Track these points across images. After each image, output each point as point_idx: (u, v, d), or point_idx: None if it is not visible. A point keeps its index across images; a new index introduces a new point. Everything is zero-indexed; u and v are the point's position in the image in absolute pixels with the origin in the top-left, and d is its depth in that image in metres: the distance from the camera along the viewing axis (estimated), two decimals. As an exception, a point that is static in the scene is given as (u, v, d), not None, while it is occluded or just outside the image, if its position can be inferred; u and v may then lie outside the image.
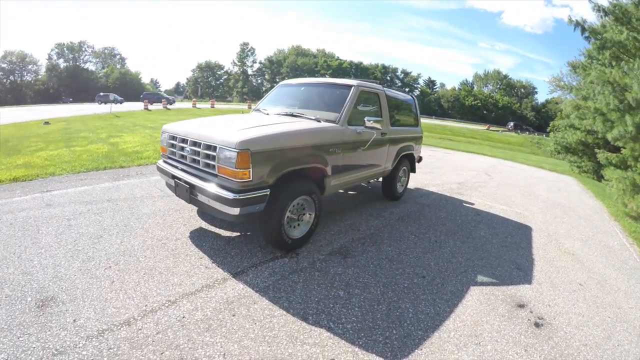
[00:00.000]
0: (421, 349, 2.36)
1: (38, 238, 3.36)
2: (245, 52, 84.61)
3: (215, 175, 3.06)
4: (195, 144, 3.30)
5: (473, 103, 76.22)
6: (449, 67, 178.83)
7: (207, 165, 3.15)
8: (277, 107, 4.66)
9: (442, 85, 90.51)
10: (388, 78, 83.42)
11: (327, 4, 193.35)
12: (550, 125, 34.83)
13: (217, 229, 3.92)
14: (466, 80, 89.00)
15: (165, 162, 3.83)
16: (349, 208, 5.28)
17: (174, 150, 3.61)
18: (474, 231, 4.82)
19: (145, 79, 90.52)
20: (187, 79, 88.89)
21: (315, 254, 3.53)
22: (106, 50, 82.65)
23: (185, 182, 3.28)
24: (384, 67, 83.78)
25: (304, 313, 2.57)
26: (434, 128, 35.56)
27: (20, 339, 2.08)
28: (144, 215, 4.14)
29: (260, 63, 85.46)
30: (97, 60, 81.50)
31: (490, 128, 47.91)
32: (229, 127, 3.38)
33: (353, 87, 4.35)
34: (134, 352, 2.03)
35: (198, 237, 3.67)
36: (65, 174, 5.92)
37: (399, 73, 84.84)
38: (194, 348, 2.11)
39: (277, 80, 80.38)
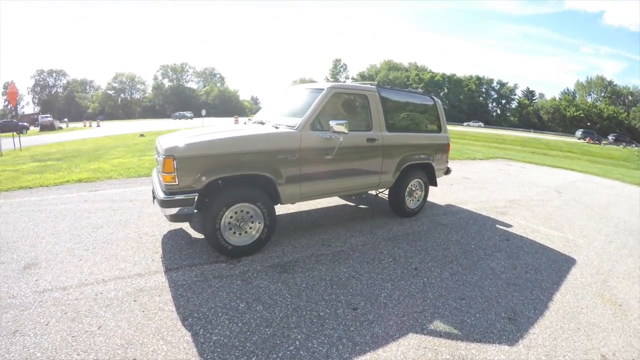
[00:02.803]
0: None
1: (58, 224, 4.22)
2: (337, 67, 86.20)
3: None
4: (157, 152, 3.59)
5: (575, 114, 68.17)
6: (549, 76, 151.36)
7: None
8: (262, 114, 4.61)
9: (542, 95, 78.96)
10: (483, 90, 76.36)
11: (420, 17, 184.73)
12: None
13: (192, 230, 4.12)
14: (567, 89, 79.03)
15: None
16: (342, 221, 4.79)
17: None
18: (483, 261, 3.66)
19: (246, 96, 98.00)
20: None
21: (255, 264, 3.34)
22: (207, 71, 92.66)
23: (153, 187, 3.56)
24: (478, 78, 79.59)
25: (188, 314, 2.51)
26: (527, 141, 30.65)
27: (3, 285, 2.82)
28: (145, 214, 4.64)
29: (352, 79, 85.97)
30: (199, 79, 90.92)
31: (590, 141, 39.60)
32: (182, 136, 3.52)
33: (323, 90, 3.96)
34: (51, 307, 2.53)
35: (171, 236, 3.95)
36: (120, 178, 6.96)
37: (494, 84, 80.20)
38: (87, 316, 2.45)
39: None
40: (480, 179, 8.65)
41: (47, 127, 33.18)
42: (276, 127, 3.78)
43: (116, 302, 2.61)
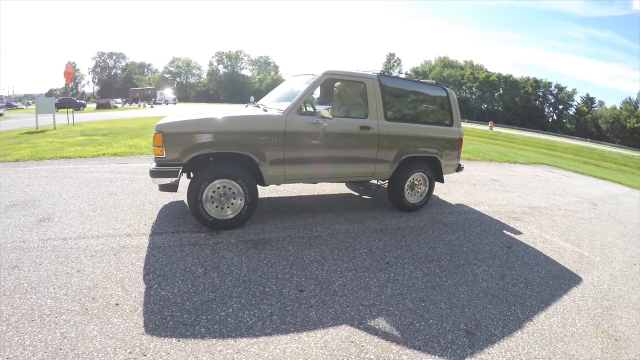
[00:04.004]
0: None
1: (80, 189, 4.73)
2: (391, 62, 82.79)
3: None
4: None
5: (636, 125, 60.99)
6: (614, 83, 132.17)
7: None
8: (264, 99, 4.62)
9: (601, 103, 73.53)
10: (540, 93, 73.92)
11: (480, 13, 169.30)
12: None
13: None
14: (629, 99, 69.11)
15: None
16: (336, 208, 4.68)
17: None
18: (469, 266, 3.32)
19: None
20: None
21: (231, 238, 3.44)
22: (261, 59, 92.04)
23: None
24: (535, 81, 74.05)
25: (151, 271, 2.72)
26: (580, 151, 27.70)
27: (19, 232, 3.27)
28: (156, 186, 4.84)
29: (406, 74, 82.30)
30: (253, 67, 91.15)
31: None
32: (175, 115, 3.78)
33: (315, 76, 3.90)
34: (49, 252, 2.92)
35: (170, 206, 4.24)
36: (151, 154, 7.28)
37: (552, 88, 74.64)
38: (73, 261, 2.80)
39: None
40: (510, 183, 7.83)
41: (103, 106, 36.49)
42: (265, 110, 3.83)
43: (100, 254, 2.94)
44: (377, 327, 2.29)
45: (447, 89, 4.84)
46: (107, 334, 2.00)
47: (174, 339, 2.01)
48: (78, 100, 35.62)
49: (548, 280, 3.25)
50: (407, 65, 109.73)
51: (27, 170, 5.69)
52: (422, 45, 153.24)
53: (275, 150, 3.55)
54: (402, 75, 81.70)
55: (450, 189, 6.37)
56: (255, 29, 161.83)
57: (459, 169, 5.09)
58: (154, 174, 3.25)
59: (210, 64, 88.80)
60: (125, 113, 25.65)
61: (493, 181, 7.74)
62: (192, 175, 3.58)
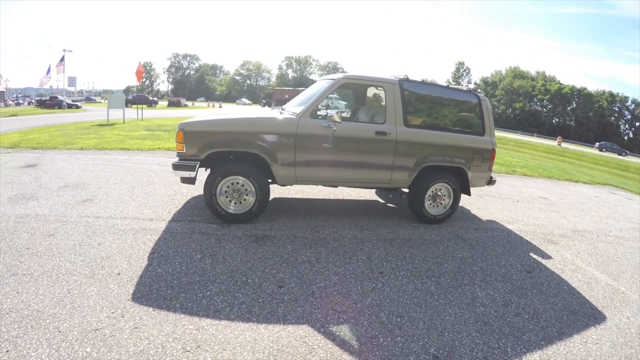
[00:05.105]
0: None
1: (126, 176, 5.40)
2: (460, 71, 78.50)
3: None
4: None
5: None
6: None
7: None
8: (289, 103, 4.73)
9: None
10: (615, 108, 67.86)
11: (554, 21, 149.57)
12: None
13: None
14: None
15: None
16: (353, 214, 4.63)
17: None
18: (472, 287, 3.12)
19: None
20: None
21: (238, 231, 3.62)
22: (330, 64, 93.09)
23: None
24: (611, 94, 67.98)
25: (157, 251, 3.02)
26: None
27: (62, 208, 3.83)
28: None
29: (475, 84, 77.23)
30: (322, 72, 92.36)
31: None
32: (198, 115, 4.14)
33: (331, 81, 3.97)
34: (81, 226, 3.40)
35: (197, 198, 4.55)
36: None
37: (629, 103, 68.08)
38: (98, 236, 3.23)
39: (492, 102, 71.61)
40: (561, 202, 6.98)
41: (174, 104, 39.95)
42: (281, 113, 3.98)
43: (121, 232, 3.36)
44: (337, 333, 2.25)
45: (480, 95, 4.48)
46: (101, 295, 2.35)
47: (151, 308, 2.27)
48: (151, 98, 39.64)
49: (562, 315, 2.84)
50: (477, 74, 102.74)
51: (87, 157, 6.67)
52: (493, 55, 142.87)
53: (287, 151, 3.67)
54: (472, 86, 75.95)
55: (488, 204, 5.88)
56: (325, 34, 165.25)
57: (490, 182, 4.69)
58: (175, 167, 3.60)
59: (280, 67, 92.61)
60: (194, 112, 28.00)
61: (541, 199, 6.97)
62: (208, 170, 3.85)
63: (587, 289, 3.38)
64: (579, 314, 2.90)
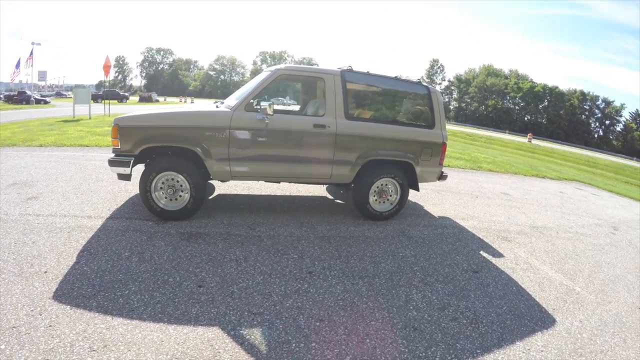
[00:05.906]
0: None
1: (75, 174, 5.24)
2: (434, 68, 79.41)
3: None
4: None
5: None
6: None
7: None
8: (229, 97, 4.54)
9: None
10: (586, 107, 69.70)
11: (531, 21, 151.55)
12: None
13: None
14: None
15: None
16: (296, 210, 4.43)
17: None
18: (408, 288, 2.92)
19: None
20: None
21: (171, 228, 3.49)
22: (305, 60, 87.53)
23: None
24: (582, 93, 70.08)
25: (87, 249, 2.90)
26: (623, 169, 25.49)
27: (5, 207, 3.63)
28: None
29: (448, 81, 78.89)
30: None
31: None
32: (134, 110, 3.95)
33: (269, 72, 3.81)
34: (21, 224, 3.24)
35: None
36: None
37: (599, 102, 69.83)
38: (34, 233, 3.08)
39: (465, 99, 72.57)
40: (523, 198, 6.87)
41: (145, 99, 38.57)
42: (217, 107, 3.86)
43: (57, 230, 3.24)
44: (247, 337, 2.11)
45: (430, 86, 4.29)
46: (25, 293, 2.29)
47: (68, 306, 2.21)
48: (122, 93, 38.25)
49: (506, 319, 2.58)
50: (451, 71, 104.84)
51: (43, 154, 6.38)
52: (468, 52, 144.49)
53: (220, 146, 3.55)
54: (445, 83, 77.45)
55: (444, 200, 5.71)
56: (300, 30, 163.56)
57: (441, 177, 4.46)
58: (110, 163, 3.47)
59: (254, 63, 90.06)
60: (163, 107, 26.97)
61: (503, 195, 6.85)
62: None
63: (539, 289, 3.15)
64: (525, 318, 2.64)
